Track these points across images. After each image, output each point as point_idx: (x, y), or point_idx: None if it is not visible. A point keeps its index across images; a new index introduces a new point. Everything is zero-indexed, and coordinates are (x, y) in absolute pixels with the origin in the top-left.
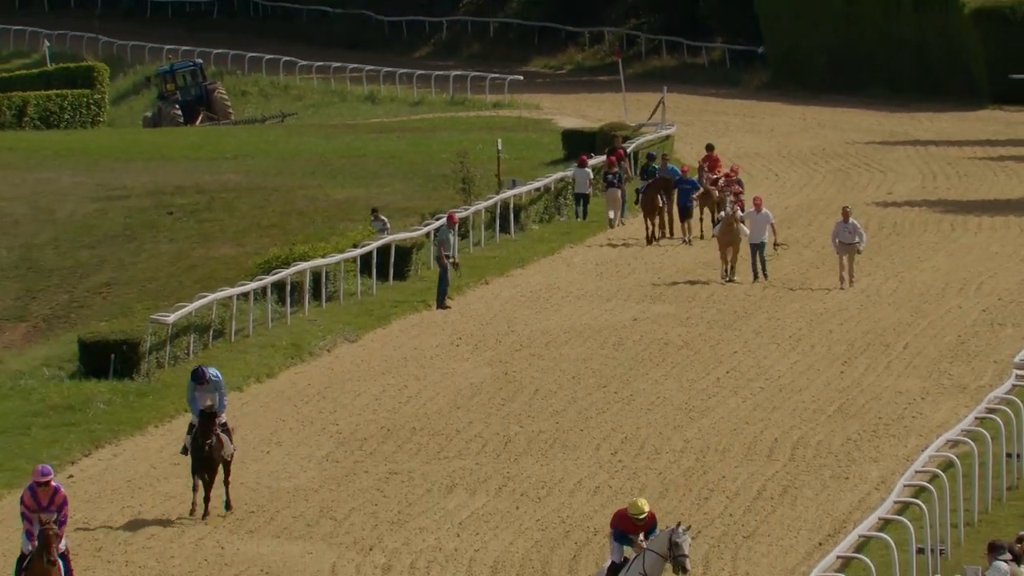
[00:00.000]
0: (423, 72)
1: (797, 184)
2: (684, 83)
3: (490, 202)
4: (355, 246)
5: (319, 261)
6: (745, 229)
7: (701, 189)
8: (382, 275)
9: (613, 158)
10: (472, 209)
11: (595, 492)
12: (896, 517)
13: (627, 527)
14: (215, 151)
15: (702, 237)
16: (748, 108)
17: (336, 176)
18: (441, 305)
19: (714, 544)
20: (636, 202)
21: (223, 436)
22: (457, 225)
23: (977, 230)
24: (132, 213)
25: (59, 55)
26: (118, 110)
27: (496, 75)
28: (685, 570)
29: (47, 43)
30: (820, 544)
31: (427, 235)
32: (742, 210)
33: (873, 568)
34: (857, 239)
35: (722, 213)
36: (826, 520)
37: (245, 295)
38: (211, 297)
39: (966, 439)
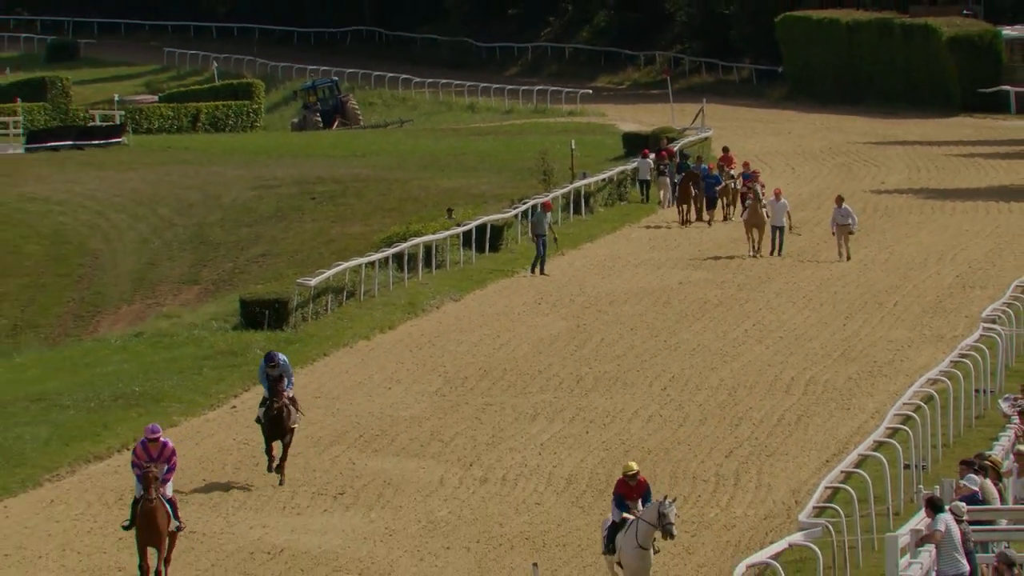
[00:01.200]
0: (512, 87)
1: (809, 176)
2: (719, 96)
3: (566, 190)
4: (459, 225)
5: (430, 237)
6: (767, 214)
7: (723, 183)
8: (480, 248)
9: (664, 152)
10: (551, 195)
11: (648, 420)
12: (887, 440)
13: (625, 491)
14: (348, 150)
15: (724, 219)
16: (770, 116)
17: (443, 170)
18: (542, 272)
19: (743, 461)
20: (674, 192)
21: (291, 408)
22: (550, 210)
23: (952, 212)
24: (282, 199)
25: (225, 73)
26: (271, 117)
27: (570, 89)
28: (672, 535)
29: (215, 64)
30: (827, 461)
31: (515, 216)
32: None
33: (869, 480)
34: (851, 221)
35: (748, 202)
36: (832, 442)
37: (372, 264)
38: (344, 265)
39: (943, 378)
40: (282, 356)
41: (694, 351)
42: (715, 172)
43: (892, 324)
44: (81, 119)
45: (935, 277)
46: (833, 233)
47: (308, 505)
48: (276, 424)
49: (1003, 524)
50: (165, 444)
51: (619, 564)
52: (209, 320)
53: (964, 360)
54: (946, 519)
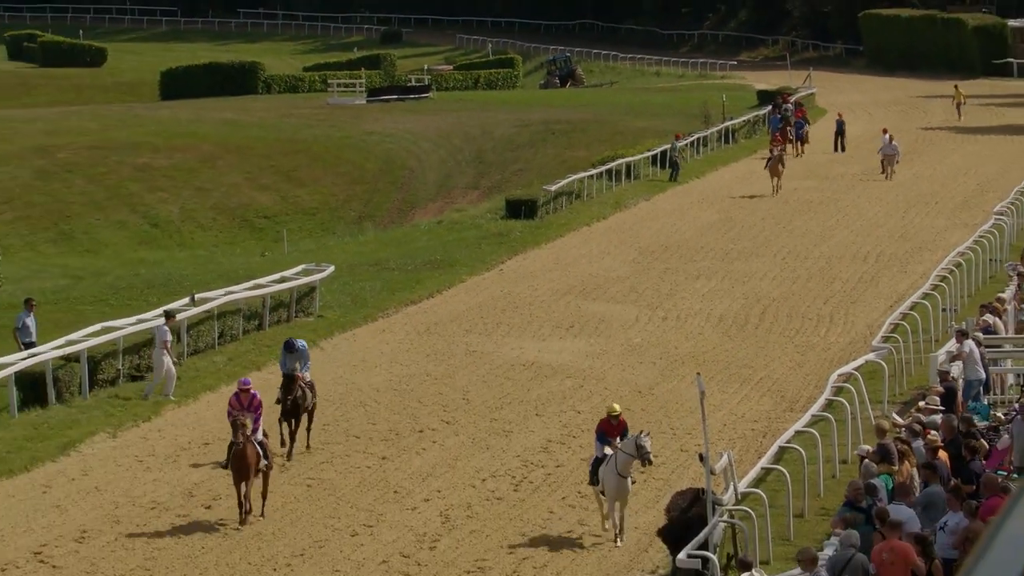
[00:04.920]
0: (684, 60)
1: (879, 118)
2: (820, 65)
3: (719, 127)
4: (648, 151)
5: (629, 158)
6: (783, 168)
7: (808, 126)
8: (661, 165)
9: (784, 97)
10: (711, 131)
11: (772, 279)
12: (931, 292)
13: (607, 429)
14: (576, 101)
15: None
16: (854, 79)
17: (638, 115)
18: (674, 180)
19: (835, 306)
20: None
21: (307, 391)
22: (680, 140)
23: (975, 142)
24: (533, 133)
25: (496, 51)
26: (526, 80)
27: (722, 61)
28: (650, 462)
29: (490, 45)
30: (890, 307)
31: (686, 144)
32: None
33: (919, 319)
34: (894, 151)
35: (775, 152)
36: (893, 294)
37: (591, 176)
38: (574, 177)
39: (968, 251)
40: (300, 342)
41: (803, 233)
42: (801, 119)
43: (934, 216)
44: (402, 81)
45: (962, 185)
46: (881, 160)
47: (549, 334)
48: (293, 412)
49: (1007, 347)
50: (254, 396)
51: (602, 493)
52: (485, 213)
53: (982, 239)
54: (970, 343)
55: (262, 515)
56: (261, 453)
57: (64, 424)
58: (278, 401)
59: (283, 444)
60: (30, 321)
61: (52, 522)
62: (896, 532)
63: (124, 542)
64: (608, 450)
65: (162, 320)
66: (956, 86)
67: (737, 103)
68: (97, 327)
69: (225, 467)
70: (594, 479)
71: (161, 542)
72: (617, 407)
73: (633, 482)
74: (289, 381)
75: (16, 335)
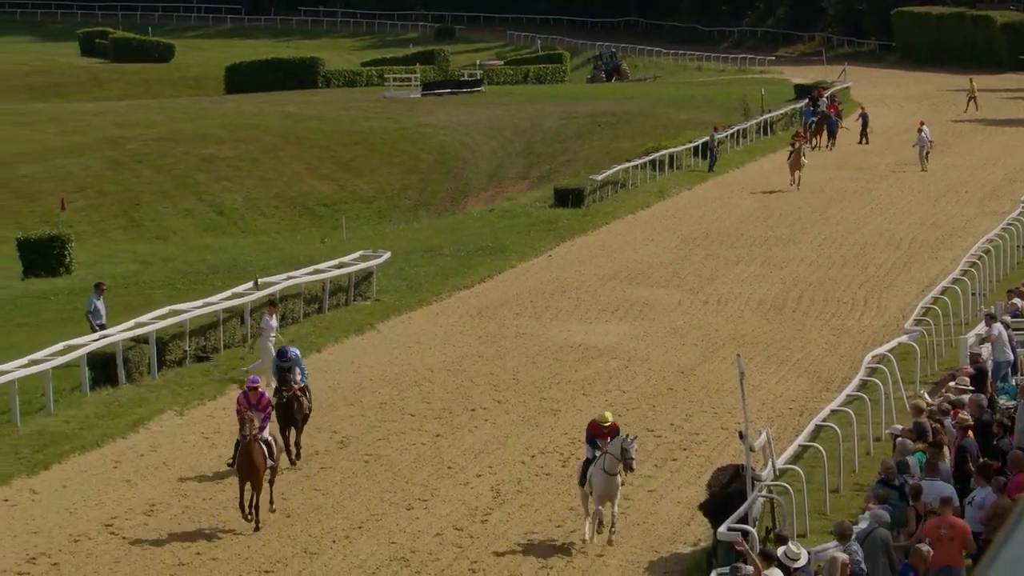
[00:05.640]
0: (724, 55)
1: (911, 111)
2: (854, 61)
3: (758, 120)
4: (690, 142)
5: (672, 149)
6: (805, 160)
7: (841, 122)
8: (703, 156)
9: (819, 91)
10: (750, 123)
11: (809, 264)
12: (961, 277)
13: (597, 433)
14: (621, 95)
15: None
16: (887, 74)
17: (680, 108)
18: (712, 170)
19: (869, 290)
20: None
21: (302, 397)
22: (718, 131)
23: (1002, 133)
24: (580, 125)
25: (544, 47)
26: (574, 75)
27: (760, 57)
28: (632, 469)
29: (539, 41)
30: (922, 291)
31: (726, 136)
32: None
33: (949, 303)
34: (923, 142)
35: (795, 145)
36: (925, 279)
37: (636, 166)
38: (618, 167)
39: (997, 238)
40: (293, 350)
41: (838, 221)
42: (834, 116)
43: (963, 204)
44: (456, 75)
45: (991, 175)
46: (917, 149)
47: (596, 317)
48: (287, 411)
49: None
50: (262, 395)
51: (590, 493)
52: (534, 201)
53: (1010, 227)
54: (999, 326)
55: (271, 509)
56: (267, 452)
57: (133, 403)
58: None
59: (285, 449)
60: (100, 304)
61: (122, 496)
62: (948, 508)
63: (190, 514)
64: (597, 452)
65: (266, 310)
66: (971, 80)
67: (775, 96)
68: (165, 310)
69: (232, 465)
70: (582, 480)
71: (225, 515)
72: (609, 415)
73: (623, 482)
74: (283, 382)
75: (88, 318)
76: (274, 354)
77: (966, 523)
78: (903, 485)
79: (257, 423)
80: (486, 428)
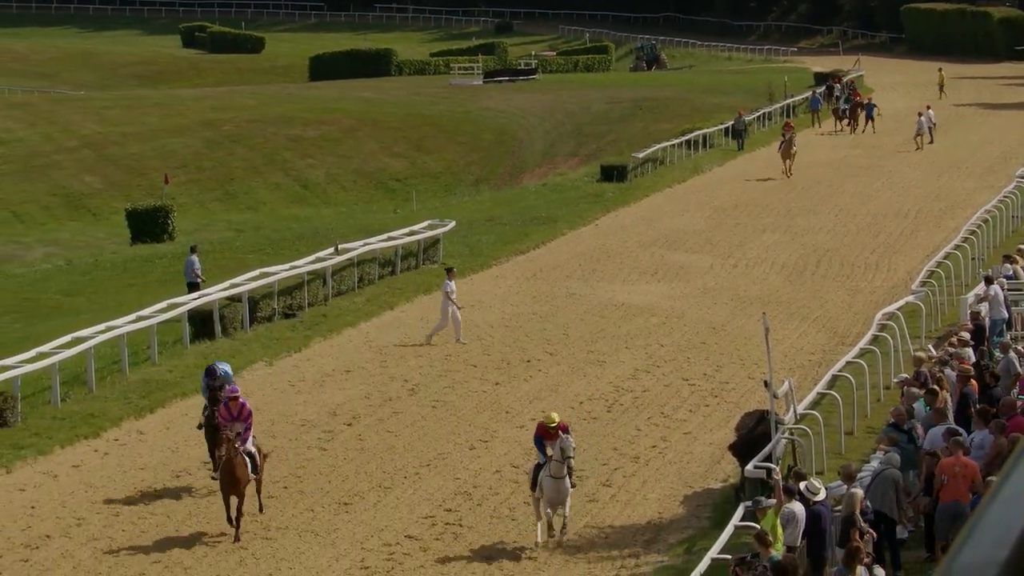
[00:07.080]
0: (751, 47)
1: (919, 96)
2: (868, 51)
3: (781, 104)
4: (721, 124)
5: (706, 130)
6: (794, 150)
7: (861, 111)
8: (734, 136)
9: (836, 79)
10: (774, 107)
11: (827, 232)
12: (962, 244)
13: (544, 434)
14: (660, 82)
15: (852, 131)
16: (897, 64)
17: (711, 93)
18: (741, 149)
19: (880, 255)
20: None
21: (245, 461)
22: (744, 115)
23: (999, 116)
24: (623, 108)
25: (592, 39)
26: (618, 64)
27: (784, 47)
28: (571, 469)
29: (587, 33)
30: (927, 256)
31: (754, 117)
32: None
33: (952, 266)
34: (923, 125)
35: (786, 136)
36: (930, 245)
37: (673, 145)
38: (657, 146)
39: (994, 209)
40: (223, 366)
41: (852, 194)
42: (870, 104)
43: (964, 179)
44: (513, 65)
45: (989, 153)
46: (916, 133)
47: (637, 279)
48: (214, 435)
49: None
50: (243, 405)
51: (540, 498)
52: (583, 176)
53: (1006, 199)
54: (995, 287)
55: (260, 511)
56: (250, 465)
57: (228, 354)
58: (200, 427)
59: (215, 467)
60: (195, 259)
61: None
62: (960, 448)
63: (280, 454)
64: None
65: (447, 276)
66: (940, 70)
67: (797, 83)
68: (256, 272)
69: (215, 479)
70: (534, 485)
71: (310, 453)
72: (556, 416)
73: (573, 486)
74: (212, 401)
75: (195, 272)
76: (452, 314)
77: (976, 464)
78: (911, 429)
79: (236, 440)
80: (539, 377)
